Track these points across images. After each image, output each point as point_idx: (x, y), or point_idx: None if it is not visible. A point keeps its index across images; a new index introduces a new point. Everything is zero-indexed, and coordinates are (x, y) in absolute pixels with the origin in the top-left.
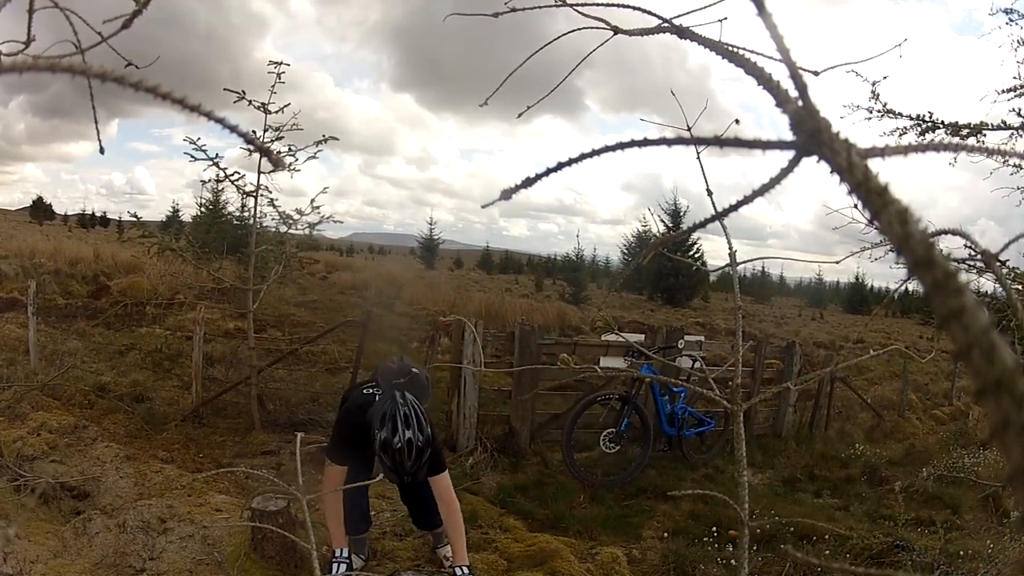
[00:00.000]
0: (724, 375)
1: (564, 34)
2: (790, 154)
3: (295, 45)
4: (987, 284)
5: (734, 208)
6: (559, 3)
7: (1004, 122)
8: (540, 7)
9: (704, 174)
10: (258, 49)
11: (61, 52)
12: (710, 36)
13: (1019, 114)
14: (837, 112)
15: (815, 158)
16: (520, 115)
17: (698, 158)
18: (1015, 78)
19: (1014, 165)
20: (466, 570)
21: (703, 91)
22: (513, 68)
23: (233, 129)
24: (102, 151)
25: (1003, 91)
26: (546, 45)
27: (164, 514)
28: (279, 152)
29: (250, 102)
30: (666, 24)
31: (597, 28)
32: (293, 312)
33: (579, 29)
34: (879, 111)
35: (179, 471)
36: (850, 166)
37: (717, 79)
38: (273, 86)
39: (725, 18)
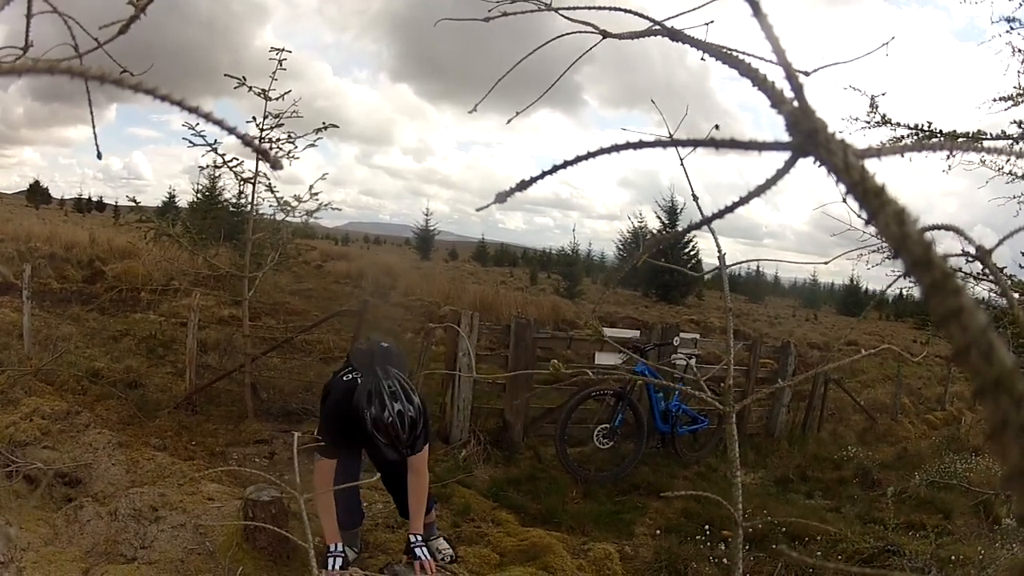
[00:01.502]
0: (717, 374)
1: (554, 38)
2: (786, 155)
3: (296, 34)
4: (983, 292)
5: (730, 209)
6: (545, 7)
7: (1003, 132)
8: (527, 11)
9: (688, 179)
10: (258, 38)
11: (60, 55)
12: (703, 37)
13: (1020, 125)
14: (835, 124)
15: (811, 158)
16: (509, 121)
17: (681, 164)
18: (1015, 88)
19: (1009, 173)
20: (418, 538)
21: (702, 90)
22: (510, 66)
23: (231, 131)
24: (99, 156)
25: (999, 99)
26: (537, 49)
27: (156, 502)
28: (277, 146)
29: (250, 88)
30: (657, 27)
31: (586, 32)
32: (288, 300)
33: (568, 34)
34: (876, 121)
35: (172, 459)
36: (847, 166)
37: (716, 78)
38: (274, 73)
39: (711, 21)
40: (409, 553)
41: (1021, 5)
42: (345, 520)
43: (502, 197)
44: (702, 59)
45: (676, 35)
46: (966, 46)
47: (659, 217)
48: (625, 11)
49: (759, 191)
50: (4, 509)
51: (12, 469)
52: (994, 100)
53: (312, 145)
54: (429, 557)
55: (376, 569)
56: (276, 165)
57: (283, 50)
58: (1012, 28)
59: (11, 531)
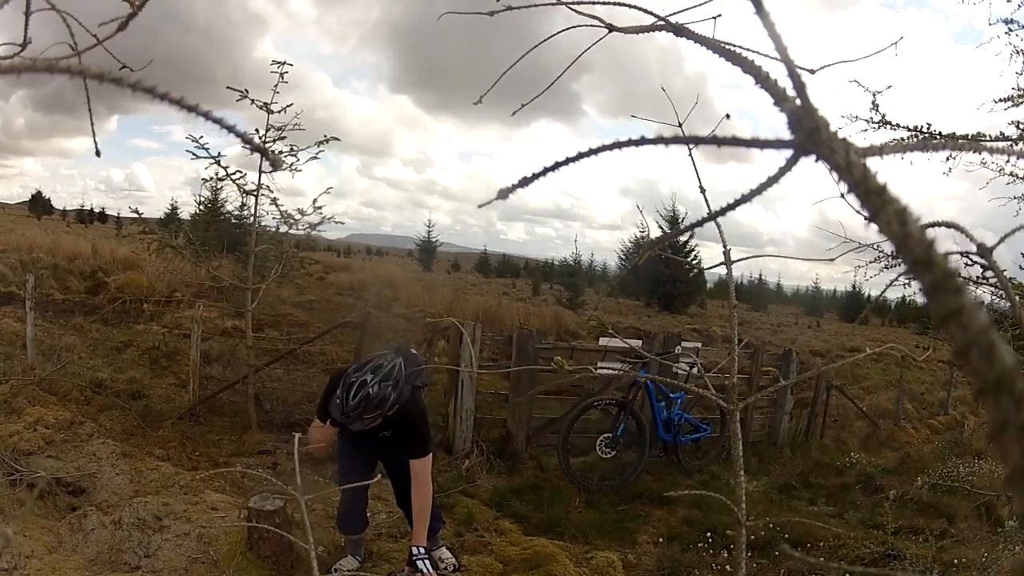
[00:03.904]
0: (721, 372)
1: (558, 32)
2: (788, 153)
3: (294, 45)
4: (984, 294)
5: (731, 207)
6: (555, 1)
7: (1002, 133)
8: (535, 5)
9: (697, 172)
10: (257, 48)
11: (59, 54)
12: (709, 33)
13: (1017, 126)
14: (835, 124)
15: (813, 157)
16: (514, 113)
17: (690, 155)
18: (1014, 89)
19: (1010, 175)
20: (421, 550)
21: (701, 97)
22: (509, 67)
23: (231, 129)
24: (98, 154)
25: (999, 100)
26: (540, 43)
27: (160, 512)
28: (279, 151)
29: (252, 101)
30: (662, 22)
31: (592, 26)
32: (291, 312)
33: (574, 27)
34: (877, 122)
35: (175, 469)
36: (848, 165)
37: (715, 85)
38: (276, 85)
39: (719, 15)
40: (411, 565)
41: (1020, 6)
42: (350, 525)
43: (504, 193)
44: (701, 47)
45: (681, 31)
46: (964, 48)
47: (661, 227)
48: (630, 6)
49: (761, 188)
50: (8, 517)
51: (16, 478)
52: (994, 101)
53: (315, 157)
54: (431, 570)
55: None
56: (276, 164)
57: (284, 63)
58: (1011, 29)
59: (9, 531)
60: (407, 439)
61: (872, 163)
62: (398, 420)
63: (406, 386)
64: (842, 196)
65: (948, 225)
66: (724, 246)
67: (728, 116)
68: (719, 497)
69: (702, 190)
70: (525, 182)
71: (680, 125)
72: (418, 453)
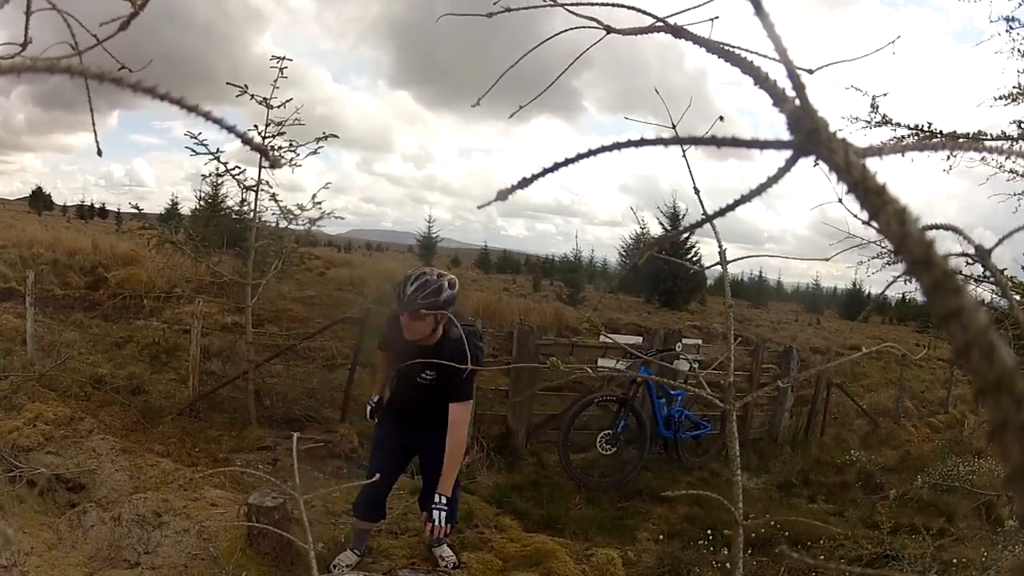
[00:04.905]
0: (718, 370)
1: (556, 34)
2: (787, 154)
3: (294, 41)
4: (984, 293)
5: (730, 208)
6: (552, 3)
7: (1003, 132)
8: (533, 7)
9: (691, 172)
10: (257, 44)
11: (59, 53)
12: (707, 35)
13: (1020, 125)
14: (835, 124)
15: (812, 157)
16: (512, 115)
17: (684, 156)
18: (1015, 87)
19: (1010, 171)
20: (443, 500)
21: (700, 94)
22: (506, 71)
23: (231, 129)
24: (100, 154)
25: (999, 98)
26: (537, 46)
27: (159, 508)
28: (278, 148)
29: (252, 96)
30: (660, 23)
31: (590, 27)
32: (291, 308)
33: (571, 29)
34: (877, 121)
35: (175, 465)
36: (848, 165)
37: (714, 82)
38: (276, 81)
39: (716, 17)
40: (427, 512)
41: (1020, 4)
42: (365, 512)
43: (503, 194)
44: (703, 50)
45: (679, 32)
46: (964, 47)
47: (661, 223)
48: (628, 7)
49: (760, 189)
50: (7, 514)
51: (16, 474)
52: (994, 99)
53: (314, 153)
54: (443, 523)
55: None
56: (275, 164)
57: (284, 58)
58: (1011, 28)
59: (9, 531)
60: (452, 381)
61: (871, 163)
62: (448, 359)
63: (466, 330)
64: (840, 200)
65: (945, 227)
66: (720, 246)
67: (722, 118)
68: (717, 497)
69: (696, 192)
70: (524, 183)
71: (674, 127)
72: (461, 396)
